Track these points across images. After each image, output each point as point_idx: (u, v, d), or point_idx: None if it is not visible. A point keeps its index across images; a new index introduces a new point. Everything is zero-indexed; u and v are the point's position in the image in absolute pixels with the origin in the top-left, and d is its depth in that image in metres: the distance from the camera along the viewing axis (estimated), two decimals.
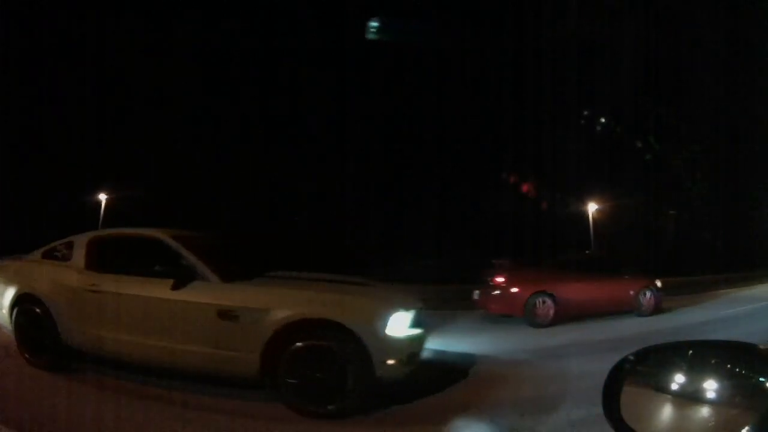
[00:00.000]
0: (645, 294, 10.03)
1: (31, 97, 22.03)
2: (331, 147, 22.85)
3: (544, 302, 8.92)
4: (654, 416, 1.27)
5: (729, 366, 1.28)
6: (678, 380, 1.28)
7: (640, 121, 25.16)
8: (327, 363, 3.73)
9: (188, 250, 4.24)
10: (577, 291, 9.34)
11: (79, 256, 4.54)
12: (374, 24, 16.06)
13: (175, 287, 4.01)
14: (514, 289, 9.06)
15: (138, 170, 21.73)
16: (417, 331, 4.23)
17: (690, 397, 1.24)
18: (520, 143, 22.83)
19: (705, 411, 1.22)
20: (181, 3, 22.94)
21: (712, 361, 1.31)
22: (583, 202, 22.09)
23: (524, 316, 8.85)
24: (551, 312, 8.90)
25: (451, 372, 5.19)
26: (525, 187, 23.35)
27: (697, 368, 1.29)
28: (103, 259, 4.52)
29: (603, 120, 25.28)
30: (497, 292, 9.16)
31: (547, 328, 8.62)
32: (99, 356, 4.27)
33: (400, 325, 4.01)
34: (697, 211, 25.49)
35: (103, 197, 22.22)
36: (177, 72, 22.09)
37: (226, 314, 3.86)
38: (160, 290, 4.05)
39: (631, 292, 9.94)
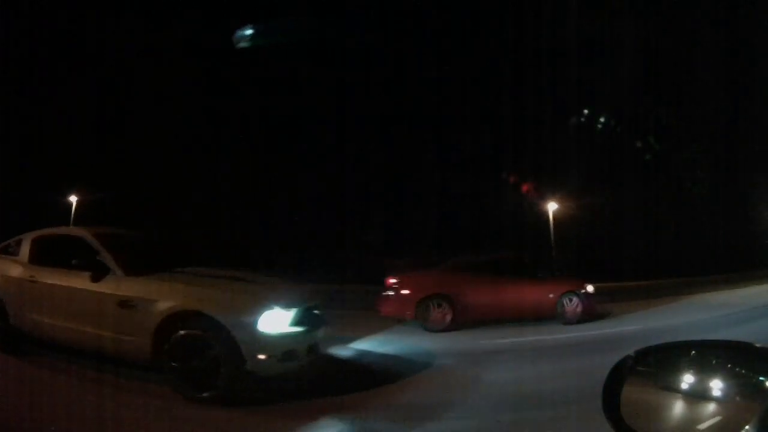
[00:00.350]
0: (568, 299, 9.21)
1: (24, 99, 22.08)
2: (328, 147, 22.88)
3: (438, 306, 8.41)
4: (653, 415, 1.27)
5: (728, 365, 1.28)
6: (678, 380, 1.28)
7: (640, 121, 25.18)
8: (203, 352, 4.05)
9: (103, 246, 4.77)
10: (481, 294, 8.72)
11: (24, 251, 5.21)
12: (246, 33, 15.83)
13: (93, 279, 4.54)
14: (405, 292, 8.57)
15: (136, 171, 21.78)
16: (297, 329, 4.37)
17: (690, 396, 1.24)
18: (519, 144, 22.83)
19: (705, 410, 1.21)
20: (171, 4, 22.91)
21: (712, 361, 1.31)
22: (581, 202, 22.06)
23: (415, 319, 8.38)
24: (447, 316, 8.40)
25: (331, 371, 5.28)
26: (525, 188, 23.35)
27: (696, 368, 1.29)
28: (42, 254, 5.13)
29: (603, 120, 25.29)
30: (389, 293, 8.68)
31: (442, 334, 8.05)
32: (38, 338, 4.89)
33: (273, 322, 4.19)
34: (697, 211, 25.49)
35: (74, 198, 23.19)
36: (174, 73, 22.10)
37: (124, 303, 4.34)
38: (78, 281, 4.60)
39: (551, 296, 9.18)
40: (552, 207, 21.43)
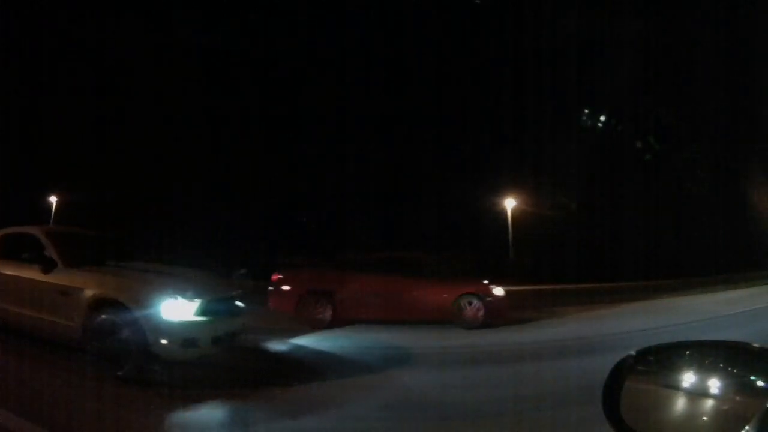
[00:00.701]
0: (467, 302, 8.71)
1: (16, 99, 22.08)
2: (324, 147, 22.84)
3: (318, 302, 8.49)
4: (654, 415, 1.27)
5: (728, 365, 1.28)
6: (678, 379, 1.28)
7: (640, 121, 25.18)
8: (116, 334, 4.63)
9: (51, 242, 5.43)
10: (365, 292, 8.64)
11: None
12: None
13: (43, 271, 5.18)
14: (286, 287, 8.83)
15: (133, 172, 21.81)
16: (199, 318, 4.87)
17: (690, 395, 1.24)
18: (518, 144, 22.82)
19: (704, 410, 1.21)
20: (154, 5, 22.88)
21: (712, 361, 1.30)
22: (579, 203, 22.04)
23: (296, 314, 8.50)
24: (327, 313, 8.45)
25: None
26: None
27: (697, 367, 1.28)
28: (5, 249, 5.77)
29: (603, 120, 25.29)
30: (274, 288, 8.95)
31: (321, 331, 8.02)
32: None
33: (174, 310, 4.71)
34: (697, 211, 25.46)
35: (53, 199, 24.13)
36: (175, 73, 22.09)
37: (62, 291, 4.99)
38: (32, 273, 5.25)
39: (445, 298, 8.74)
40: (510, 204, 21.27)
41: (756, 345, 1.28)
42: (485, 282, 9.37)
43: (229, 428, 4.08)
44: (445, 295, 8.81)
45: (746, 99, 24.56)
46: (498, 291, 9.15)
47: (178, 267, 6.10)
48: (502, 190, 22.75)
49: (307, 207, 23.44)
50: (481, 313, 8.73)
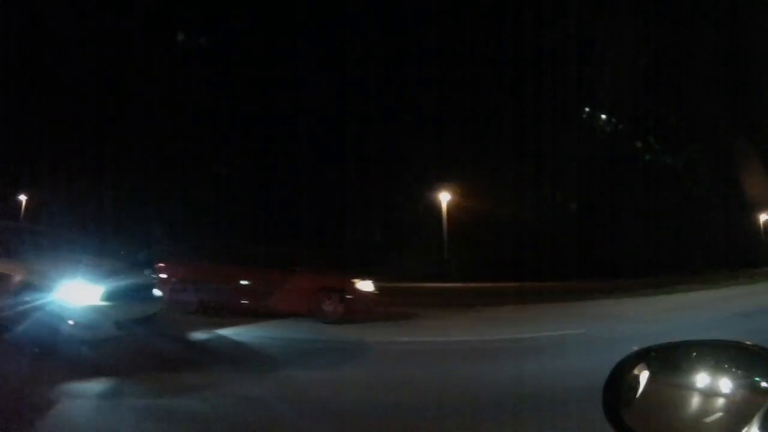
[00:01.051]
0: (325, 297, 8.80)
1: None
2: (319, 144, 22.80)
3: (186, 291, 9.21)
4: (654, 415, 1.27)
5: (730, 365, 1.28)
6: (679, 379, 1.28)
7: (640, 121, 25.15)
8: (35, 314, 5.15)
9: None
10: (225, 284, 9.18)
11: None
12: None
13: None
14: (164, 276, 9.48)
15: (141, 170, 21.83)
16: (104, 303, 5.43)
17: (690, 395, 1.24)
18: (518, 143, 22.78)
19: (705, 409, 1.21)
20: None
21: (712, 360, 1.30)
22: (579, 203, 22.01)
23: (171, 302, 8.88)
24: (194, 301, 9.17)
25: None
26: None
27: (697, 366, 1.28)
28: None
29: (603, 119, 25.26)
30: (157, 277, 9.53)
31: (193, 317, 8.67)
32: None
33: (79, 295, 5.30)
34: (696, 212, 25.45)
35: (23, 198, 24.68)
36: (174, 73, 22.08)
37: (1, 278, 5.59)
38: None
39: (303, 291, 8.91)
40: (445, 198, 21.11)
41: (750, 343, 1.28)
42: (347, 277, 9.41)
43: (105, 400, 4.48)
44: (303, 289, 9.02)
45: (746, 99, 24.55)
46: (363, 286, 9.18)
47: (94, 257, 6.70)
48: (501, 189, 22.78)
49: (308, 206, 23.38)
50: (341, 307, 8.83)
